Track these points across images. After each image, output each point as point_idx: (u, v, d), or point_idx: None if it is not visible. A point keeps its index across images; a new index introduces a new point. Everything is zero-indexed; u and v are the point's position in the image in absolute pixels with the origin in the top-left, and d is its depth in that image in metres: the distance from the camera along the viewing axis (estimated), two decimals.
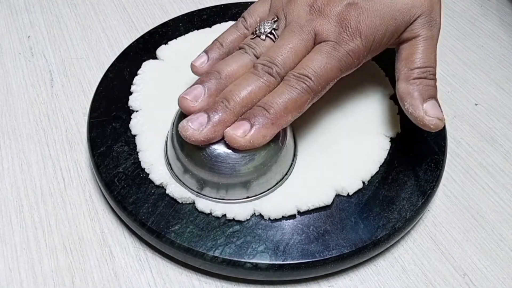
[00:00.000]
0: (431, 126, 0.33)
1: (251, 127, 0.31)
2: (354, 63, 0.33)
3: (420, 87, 0.34)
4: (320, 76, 0.32)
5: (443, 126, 0.33)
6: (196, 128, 0.31)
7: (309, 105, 0.33)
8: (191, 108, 0.32)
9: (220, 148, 0.32)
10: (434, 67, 0.35)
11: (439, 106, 0.34)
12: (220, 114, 0.31)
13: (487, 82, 0.47)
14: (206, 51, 0.37)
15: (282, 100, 0.32)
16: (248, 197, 0.34)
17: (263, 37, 0.35)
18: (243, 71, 0.34)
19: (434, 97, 0.34)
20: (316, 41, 0.34)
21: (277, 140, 0.33)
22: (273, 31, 0.35)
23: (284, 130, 0.34)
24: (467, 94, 0.46)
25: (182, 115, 0.33)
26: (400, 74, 0.35)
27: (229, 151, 0.32)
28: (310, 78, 0.32)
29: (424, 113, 0.33)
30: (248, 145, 0.31)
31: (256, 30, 0.35)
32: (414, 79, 0.34)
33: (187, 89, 0.33)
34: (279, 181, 0.35)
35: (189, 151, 0.33)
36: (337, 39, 0.33)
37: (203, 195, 0.34)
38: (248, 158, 0.32)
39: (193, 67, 0.36)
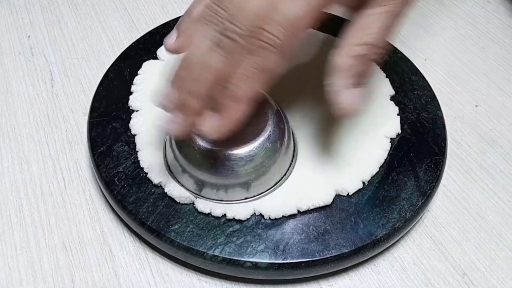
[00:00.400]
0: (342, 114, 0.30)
1: (220, 117, 0.29)
2: None
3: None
4: (285, 26, 0.27)
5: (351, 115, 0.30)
6: (173, 128, 0.30)
7: (281, 68, 0.28)
8: (167, 111, 0.30)
9: (218, 150, 0.32)
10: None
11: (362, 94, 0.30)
12: (190, 108, 0.29)
13: (487, 83, 0.47)
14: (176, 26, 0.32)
15: (244, 74, 0.28)
16: (246, 198, 0.34)
17: None
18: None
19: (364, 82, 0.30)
20: None
21: (275, 141, 0.33)
22: None
23: (283, 130, 0.34)
24: (468, 96, 0.46)
25: None
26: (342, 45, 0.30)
27: (228, 152, 0.32)
28: (271, 33, 0.27)
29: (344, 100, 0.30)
30: (222, 135, 0.29)
31: None
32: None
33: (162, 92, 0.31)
34: (278, 182, 0.35)
35: (187, 153, 0.33)
36: None
37: (202, 196, 0.34)
38: (246, 159, 0.32)
39: (165, 46, 0.32)
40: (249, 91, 0.29)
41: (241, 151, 0.32)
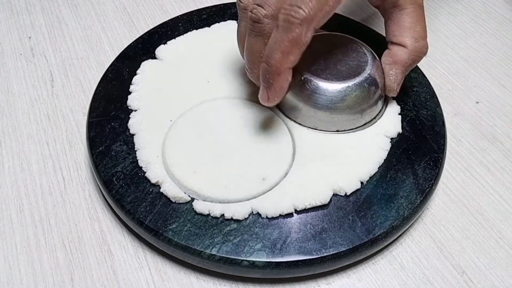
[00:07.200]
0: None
1: (266, 89, 0.33)
2: None
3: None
4: (312, 5, 0.31)
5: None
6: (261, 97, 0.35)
7: (310, 36, 0.31)
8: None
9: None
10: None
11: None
12: (262, 82, 0.34)
13: (488, 80, 0.47)
14: None
15: (276, 47, 0.31)
16: (338, 130, 0.38)
17: None
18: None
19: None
20: None
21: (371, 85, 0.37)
22: None
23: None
24: (468, 92, 0.46)
25: None
26: (406, 43, 0.37)
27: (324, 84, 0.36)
28: (300, 7, 0.30)
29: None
30: (275, 102, 0.34)
31: None
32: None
33: None
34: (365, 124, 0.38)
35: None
36: None
37: (299, 123, 0.38)
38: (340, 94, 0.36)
39: None
40: (282, 62, 0.32)
41: (337, 86, 0.36)
